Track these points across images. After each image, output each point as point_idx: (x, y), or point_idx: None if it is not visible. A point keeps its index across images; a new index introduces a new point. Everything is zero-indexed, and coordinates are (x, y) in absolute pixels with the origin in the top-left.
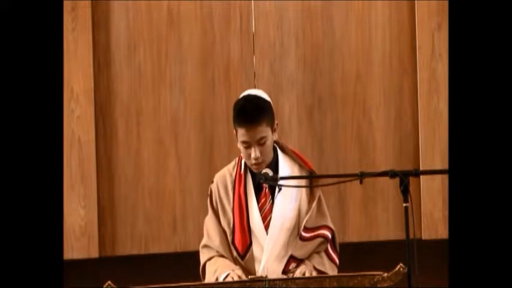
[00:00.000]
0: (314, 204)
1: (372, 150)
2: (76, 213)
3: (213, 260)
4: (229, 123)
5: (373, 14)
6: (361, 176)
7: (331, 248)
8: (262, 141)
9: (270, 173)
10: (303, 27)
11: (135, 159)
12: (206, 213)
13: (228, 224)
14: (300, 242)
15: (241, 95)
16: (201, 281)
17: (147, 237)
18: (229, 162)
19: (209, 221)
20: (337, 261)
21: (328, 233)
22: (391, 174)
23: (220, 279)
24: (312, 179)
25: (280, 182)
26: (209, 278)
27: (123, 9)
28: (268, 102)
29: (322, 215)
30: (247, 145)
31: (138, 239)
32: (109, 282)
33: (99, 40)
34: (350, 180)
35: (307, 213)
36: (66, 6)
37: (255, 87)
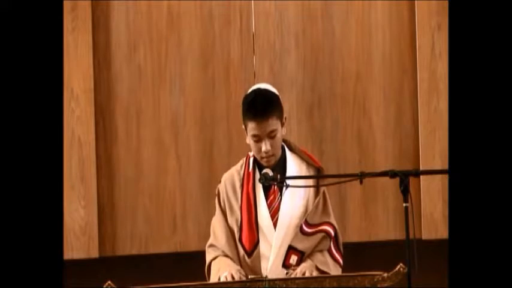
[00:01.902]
0: (318, 200)
1: (372, 150)
2: (76, 213)
3: (217, 259)
4: (229, 123)
5: (373, 14)
6: (361, 176)
7: (335, 248)
8: (273, 134)
9: (270, 173)
10: (303, 27)
11: (135, 159)
12: (206, 213)
13: (236, 222)
14: (300, 235)
15: (250, 90)
16: (202, 280)
17: (147, 237)
18: (229, 162)
19: (216, 221)
20: (341, 261)
21: (330, 229)
22: (391, 174)
23: (222, 279)
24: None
25: (282, 182)
26: (213, 277)
27: (123, 9)
28: (278, 96)
29: (326, 212)
30: (258, 139)
31: (138, 239)
32: (109, 282)
33: (99, 40)
34: (350, 180)
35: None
36: (66, 6)
37: None
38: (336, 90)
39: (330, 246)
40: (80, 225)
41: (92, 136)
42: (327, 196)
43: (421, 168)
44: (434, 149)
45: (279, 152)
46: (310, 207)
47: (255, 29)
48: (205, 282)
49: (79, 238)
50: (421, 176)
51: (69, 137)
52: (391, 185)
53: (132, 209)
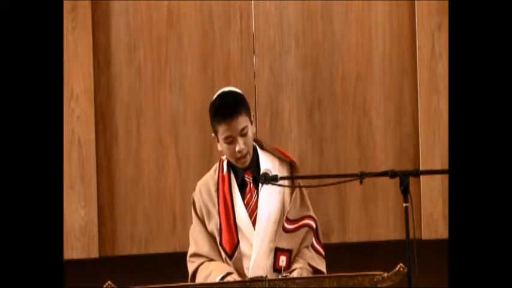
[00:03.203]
0: (296, 195)
1: (372, 150)
2: (76, 213)
3: (204, 264)
4: None
5: (373, 14)
6: (361, 176)
7: (316, 241)
8: (244, 131)
9: (270, 173)
10: (303, 27)
11: (135, 159)
12: None
13: (216, 226)
14: (284, 234)
15: (214, 96)
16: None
17: (147, 237)
18: None
19: (195, 230)
20: (323, 252)
21: (311, 222)
22: (391, 174)
23: (217, 281)
24: (293, 172)
25: (280, 182)
26: (202, 281)
27: (123, 9)
28: (242, 94)
29: (305, 206)
30: (231, 140)
31: (138, 239)
32: (109, 282)
33: (99, 40)
34: (350, 180)
35: (289, 203)
36: (66, 6)
37: (255, 87)
38: (336, 90)
39: (312, 241)
40: (80, 225)
41: (92, 136)
42: (303, 189)
43: (421, 168)
44: (434, 149)
45: (252, 151)
46: (287, 201)
47: (255, 29)
48: (205, 283)
49: (79, 238)
50: (421, 176)
51: (69, 137)
52: (391, 185)
53: (132, 209)
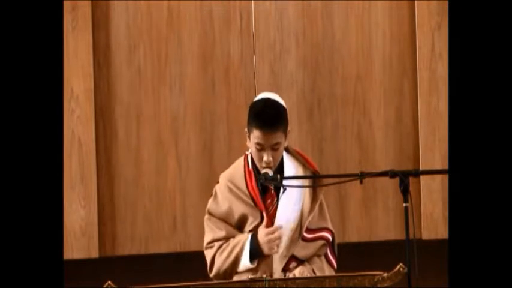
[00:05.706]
0: (316, 206)
1: (372, 150)
2: (76, 213)
3: (223, 246)
4: (230, 123)
5: (373, 14)
6: (361, 176)
7: (330, 252)
8: (276, 146)
9: (270, 173)
10: (303, 27)
11: (135, 159)
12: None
13: (252, 214)
14: (302, 242)
15: (259, 97)
16: (202, 280)
17: (147, 237)
18: (229, 162)
19: (210, 221)
20: (335, 265)
21: (329, 236)
22: (391, 174)
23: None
24: (314, 179)
25: (282, 183)
26: (221, 263)
27: (123, 9)
28: (285, 109)
29: (323, 217)
30: (261, 147)
31: (138, 239)
32: (109, 282)
33: (99, 40)
34: (350, 180)
35: (309, 214)
36: (66, 6)
37: (255, 87)
38: (336, 90)
39: (327, 251)
40: (80, 226)
41: (92, 136)
42: (324, 202)
43: (421, 168)
44: (434, 149)
45: (278, 162)
46: (305, 210)
47: (255, 29)
48: (205, 282)
49: (79, 238)
50: (421, 176)
51: (69, 137)
52: (391, 185)
53: (132, 209)
